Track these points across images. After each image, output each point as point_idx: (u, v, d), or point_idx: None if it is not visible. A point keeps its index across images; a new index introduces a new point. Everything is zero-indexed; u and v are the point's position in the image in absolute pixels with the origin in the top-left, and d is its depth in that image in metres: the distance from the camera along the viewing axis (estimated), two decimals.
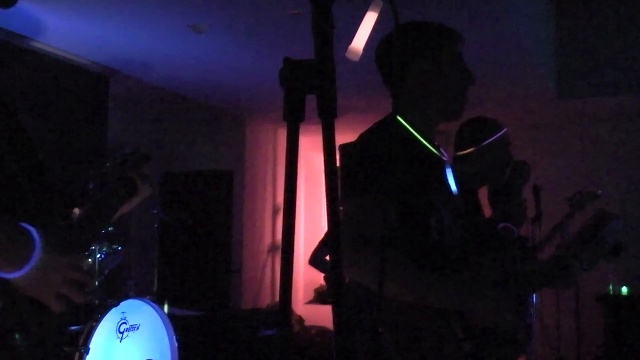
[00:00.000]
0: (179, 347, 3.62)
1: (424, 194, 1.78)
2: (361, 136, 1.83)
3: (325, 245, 5.05)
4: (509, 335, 1.73)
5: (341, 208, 1.72)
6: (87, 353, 3.10)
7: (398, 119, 1.85)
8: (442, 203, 1.82)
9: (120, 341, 3.36)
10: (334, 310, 0.94)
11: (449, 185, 1.89)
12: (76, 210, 1.69)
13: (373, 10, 3.37)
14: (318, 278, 5.91)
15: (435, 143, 1.93)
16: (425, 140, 1.86)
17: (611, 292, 5.85)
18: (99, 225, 1.79)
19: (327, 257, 5.06)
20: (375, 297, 1.69)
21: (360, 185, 1.71)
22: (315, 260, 5.05)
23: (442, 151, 1.95)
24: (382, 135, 1.81)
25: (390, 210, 1.70)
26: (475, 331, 1.68)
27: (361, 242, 1.65)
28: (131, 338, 3.42)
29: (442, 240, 1.79)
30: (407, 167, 1.75)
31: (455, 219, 1.85)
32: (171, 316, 3.72)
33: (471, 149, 2.70)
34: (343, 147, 1.81)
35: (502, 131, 2.74)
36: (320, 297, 7.58)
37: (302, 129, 0.98)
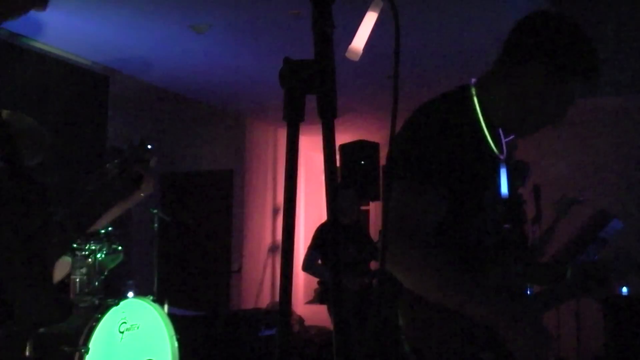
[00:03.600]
0: (179, 347, 3.62)
1: (476, 193, 1.65)
2: (430, 106, 1.67)
3: (315, 249, 5.04)
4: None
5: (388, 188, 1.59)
6: (87, 353, 3.10)
7: (473, 97, 1.69)
8: (490, 205, 1.69)
9: (120, 341, 3.36)
10: (334, 311, 0.95)
11: (499, 187, 1.75)
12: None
13: (373, 10, 3.37)
14: None
15: (500, 133, 1.76)
16: (489, 133, 1.70)
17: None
18: (87, 220, 1.78)
19: (320, 262, 5.06)
20: (402, 292, 1.59)
21: (417, 169, 1.58)
22: (309, 265, 5.04)
23: (503, 146, 1.76)
24: (448, 113, 1.64)
25: (443, 203, 1.58)
26: (497, 340, 1.56)
27: (406, 232, 1.53)
28: (131, 338, 3.41)
29: (480, 243, 1.68)
30: (463, 162, 1.61)
31: (498, 223, 1.73)
32: (171, 316, 3.71)
33: None
34: (411, 119, 1.65)
35: None
36: (320, 297, 7.60)
37: (302, 129, 0.99)
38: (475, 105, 1.68)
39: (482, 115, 1.68)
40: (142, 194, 1.97)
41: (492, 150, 1.71)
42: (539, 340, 1.52)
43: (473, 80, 1.74)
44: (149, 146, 2.05)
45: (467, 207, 1.64)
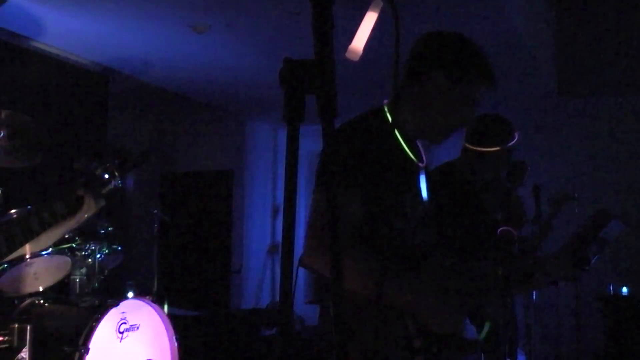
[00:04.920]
0: (179, 347, 3.62)
1: (393, 196, 1.80)
2: (349, 124, 1.84)
3: None
4: (458, 336, 1.72)
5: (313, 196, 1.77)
6: (87, 353, 3.10)
7: (387, 115, 1.86)
8: (411, 208, 1.83)
9: (120, 341, 3.35)
10: (333, 311, 0.95)
11: (420, 191, 1.90)
12: None
13: (373, 10, 3.37)
14: None
15: (418, 145, 1.94)
16: (406, 143, 1.87)
17: (611, 292, 5.85)
18: (21, 237, 1.81)
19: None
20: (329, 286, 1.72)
21: (337, 174, 1.69)
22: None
23: (422, 155, 1.94)
24: (366, 128, 1.81)
25: (357, 206, 1.71)
26: (428, 328, 1.70)
27: (324, 231, 1.66)
28: (131, 338, 3.41)
29: (404, 243, 1.81)
30: (381, 168, 1.76)
31: (423, 225, 1.87)
32: (171, 316, 3.71)
33: (496, 148, 2.68)
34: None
35: (517, 134, 2.75)
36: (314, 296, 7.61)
37: (302, 129, 0.99)
38: (389, 122, 1.86)
39: (397, 129, 1.86)
40: (85, 215, 2.01)
41: (411, 159, 1.88)
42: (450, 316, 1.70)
43: (385, 100, 1.91)
44: (141, 151, 2.10)
45: (387, 209, 1.79)
